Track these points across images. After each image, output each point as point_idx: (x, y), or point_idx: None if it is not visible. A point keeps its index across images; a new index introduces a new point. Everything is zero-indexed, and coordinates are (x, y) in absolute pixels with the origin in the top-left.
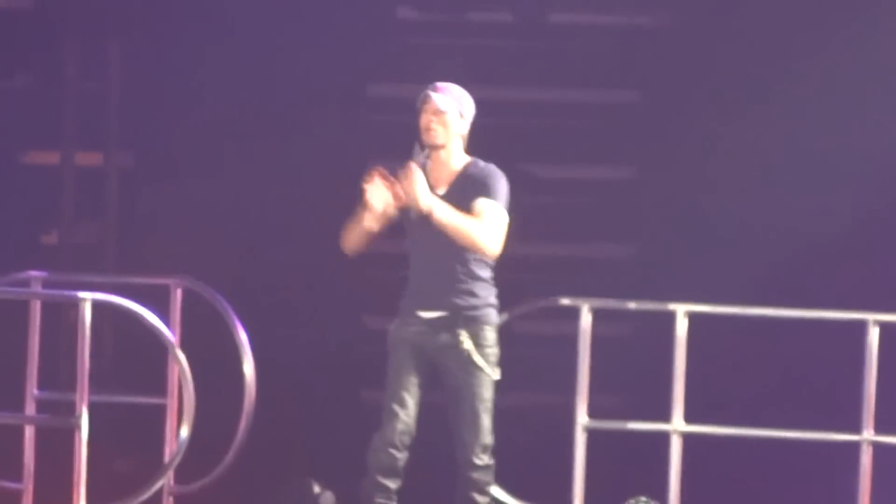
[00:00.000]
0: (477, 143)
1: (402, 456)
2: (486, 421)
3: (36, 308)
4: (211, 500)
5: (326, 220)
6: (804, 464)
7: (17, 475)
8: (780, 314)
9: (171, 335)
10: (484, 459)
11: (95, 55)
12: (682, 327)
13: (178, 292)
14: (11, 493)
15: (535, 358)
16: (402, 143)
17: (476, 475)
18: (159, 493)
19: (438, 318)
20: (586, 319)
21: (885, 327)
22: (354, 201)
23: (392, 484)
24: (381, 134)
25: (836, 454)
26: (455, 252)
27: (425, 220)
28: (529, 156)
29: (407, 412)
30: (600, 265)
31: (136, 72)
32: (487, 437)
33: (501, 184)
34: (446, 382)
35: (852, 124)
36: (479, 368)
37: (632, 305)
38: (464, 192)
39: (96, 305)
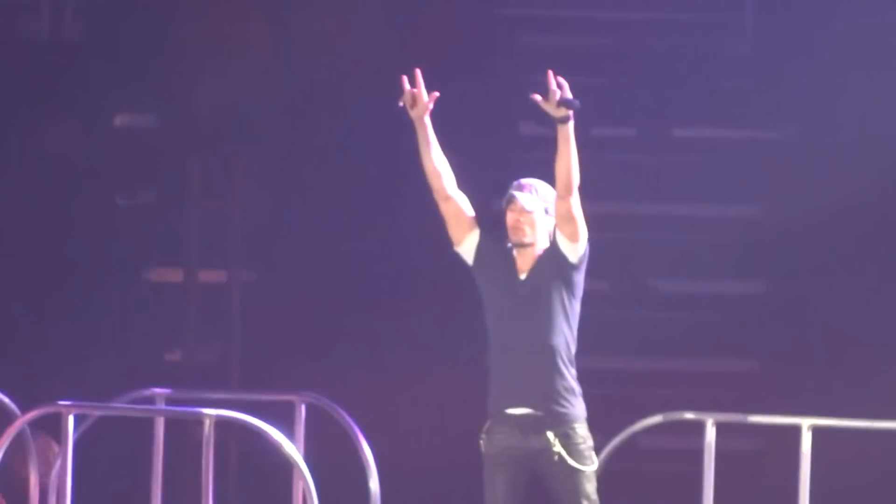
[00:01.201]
0: (600, 257)
1: None
2: None
3: (160, 425)
4: None
5: (449, 333)
6: None
7: None
8: None
9: (296, 452)
10: None
11: (219, 173)
12: (806, 441)
13: (303, 408)
14: None
15: (661, 472)
16: None
17: None
18: None
19: (525, 418)
20: (711, 433)
21: None
22: (474, 314)
23: None
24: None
25: None
26: (539, 333)
27: (513, 294)
28: (654, 269)
29: None
30: (725, 378)
31: (258, 190)
32: None
33: None
34: (546, 484)
35: None
36: (576, 468)
37: (756, 419)
38: (543, 271)
39: (220, 422)
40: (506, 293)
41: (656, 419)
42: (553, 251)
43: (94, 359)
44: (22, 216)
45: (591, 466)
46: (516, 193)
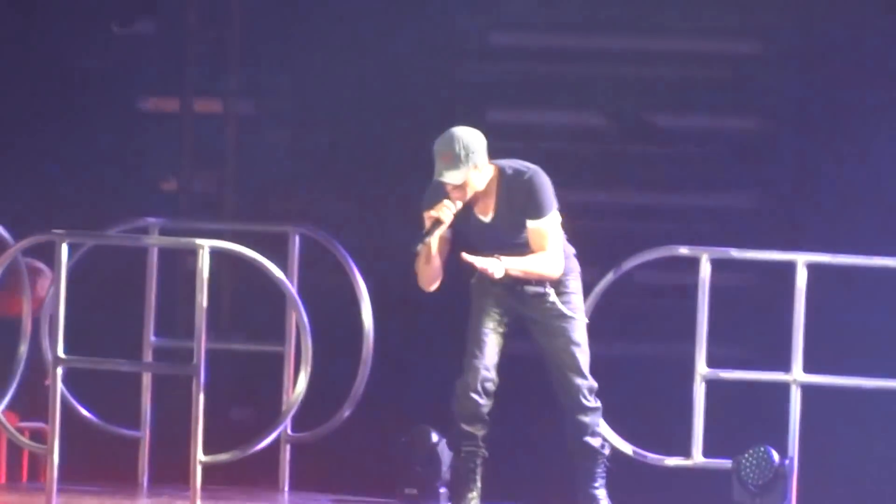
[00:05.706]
0: (598, 92)
1: (485, 402)
2: (587, 363)
3: (153, 255)
4: (329, 448)
5: None
6: None
7: (135, 423)
8: None
9: (288, 283)
10: (592, 401)
11: (217, 2)
12: (801, 277)
13: (296, 239)
14: (129, 440)
15: (654, 307)
16: (518, 92)
17: (586, 418)
18: (277, 441)
19: None
20: (705, 269)
21: None
22: None
23: (477, 431)
24: (498, 82)
25: None
26: (521, 246)
27: (483, 233)
28: (651, 105)
29: (488, 358)
30: (721, 215)
31: (256, 19)
32: (591, 379)
33: (545, 191)
34: (536, 333)
35: None
36: (569, 315)
37: (751, 255)
38: (510, 208)
39: (214, 253)
40: (475, 234)
41: (651, 254)
42: (512, 195)
43: (90, 188)
44: (15, 46)
45: (580, 316)
46: (443, 181)
